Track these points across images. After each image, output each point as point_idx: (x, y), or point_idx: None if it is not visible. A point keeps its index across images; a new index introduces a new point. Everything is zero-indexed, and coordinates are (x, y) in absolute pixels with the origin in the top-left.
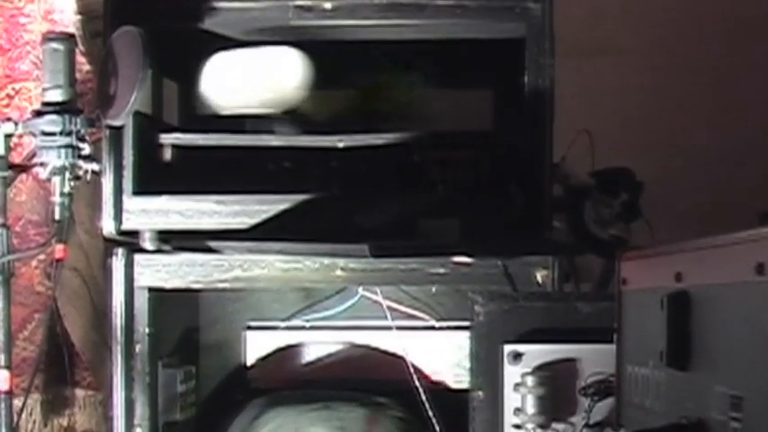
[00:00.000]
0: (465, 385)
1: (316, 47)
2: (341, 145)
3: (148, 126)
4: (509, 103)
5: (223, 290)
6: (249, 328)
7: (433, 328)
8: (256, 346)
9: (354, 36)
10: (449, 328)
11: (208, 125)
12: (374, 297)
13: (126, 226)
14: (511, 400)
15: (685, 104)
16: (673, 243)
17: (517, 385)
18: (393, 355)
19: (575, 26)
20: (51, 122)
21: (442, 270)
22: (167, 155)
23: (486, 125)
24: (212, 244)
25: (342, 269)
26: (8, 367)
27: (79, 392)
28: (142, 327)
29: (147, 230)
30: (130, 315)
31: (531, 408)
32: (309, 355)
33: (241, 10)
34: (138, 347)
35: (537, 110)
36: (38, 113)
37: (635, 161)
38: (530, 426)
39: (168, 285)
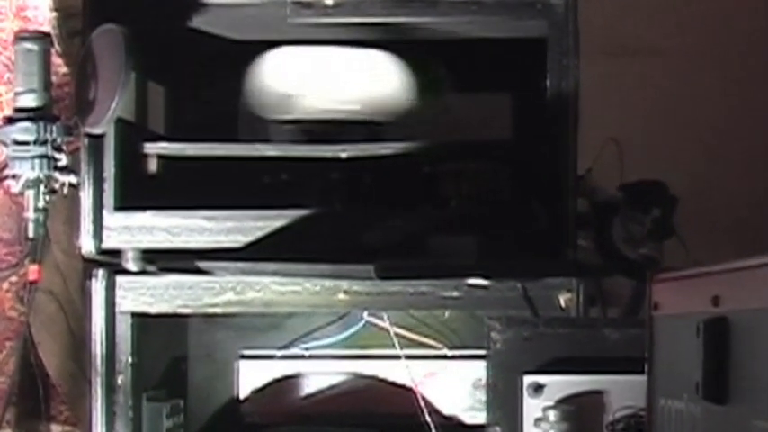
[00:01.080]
0: (481, 420)
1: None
2: (344, 155)
3: (132, 134)
4: (529, 109)
5: (214, 315)
6: (243, 357)
7: (445, 356)
8: (250, 376)
9: (358, 36)
10: (463, 357)
11: (197, 133)
12: (380, 323)
13: (107, 244)
14: None
15: (724, 111)
16: (709, 264)
17: (538, 420)
18: (401, 386)
19: (602, 24)
20: (24, 130)
21: (455, 293)
22: (152, 166)
23: (505, 133)
24: (202, 264)
25: (345, 292)
26: None
27: (55, 428)
28: (124, 356)
29: (130, 249)
30: (111, 343)
31: None
32: (309, 386)
33: (234, 7)
34: (120, 379)
35: (560, 116)
36: (9, 120)
37: (668, 173)
38: None
39: (153, 310)
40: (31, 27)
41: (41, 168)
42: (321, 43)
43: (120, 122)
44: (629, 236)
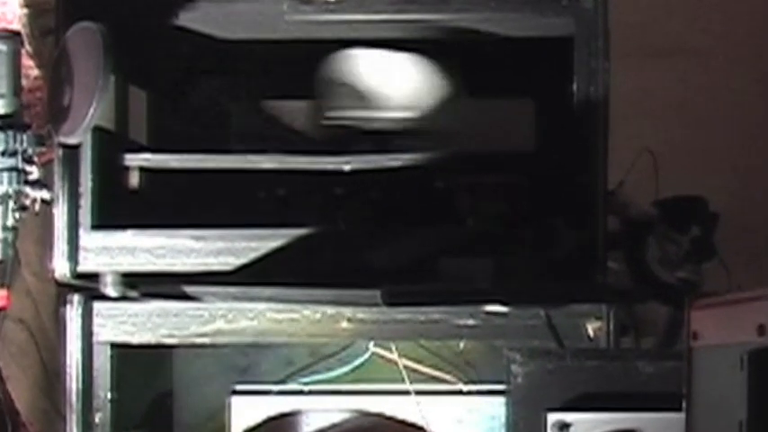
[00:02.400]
0: None
1: (316, 48)
2: (347, 168)
3: (111, 144)
4: (554, 115)
5: (202, 346)
6: (235, 392)
7: (460, 392)
8: (244, 414)
9: (362, 34)
10: (480, 392)
11: (183, 143)
12: (388, 354)
13: (83, 267)
14: None
15: None
16: (754, 288)
17: None
18: (411, 425)
19: (635, 22)
20: None
21: (471, 321)
22: (134, 180)
23: (527, 143)
24: (189, 290)
25: (348, 320)
26: None
27: None
28: (103, 391)
29: (108, 273)
30: (89, 376)
31: None
32: (309, 425)
33: (225, 2)
34: (98, 417)
35: (588, 124)
36: None
37: (708, 188)
38: None
39: (135, 340)
40: (0, 25)
41: (10, 182)
42: (321, 42)
43: (97, 131)
44: (664, 257)
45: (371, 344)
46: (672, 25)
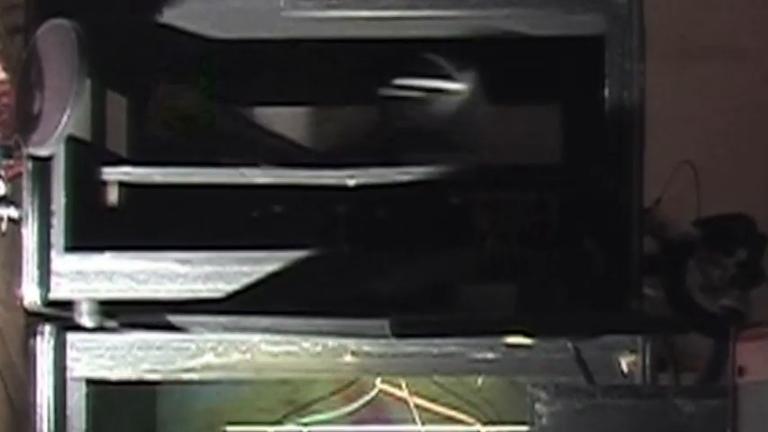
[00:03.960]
0: None
1: (316, 48)
2: (351, 182)
3: (87, 156)
4: (583, 124)
5: (190, 382)
6: None
7: None
8: None
9: (367, 32)
10: None
11: (167, 155)
12: (397, 392)
13: (55, 294)
14: None
15: None
16: None
17: None
18: None
19: (673, 20)
20: None
21: (490, 355)
22: (113, 196)
23: (552, 155)
24: (174, 319)
25: (353, 354)
26: None
27: None
28: None
29: (84, 300)
30: (62, 416)
31: None
32: None
33: None
34: None
35: (621, 134)
36: None
37: (755, 205)
38: None
39: (114, 376)
40: None
41: None
42: (322, 42)
43: (71, 141)
44: (707, 283)
45: (378, 380)
46: (716, 23)
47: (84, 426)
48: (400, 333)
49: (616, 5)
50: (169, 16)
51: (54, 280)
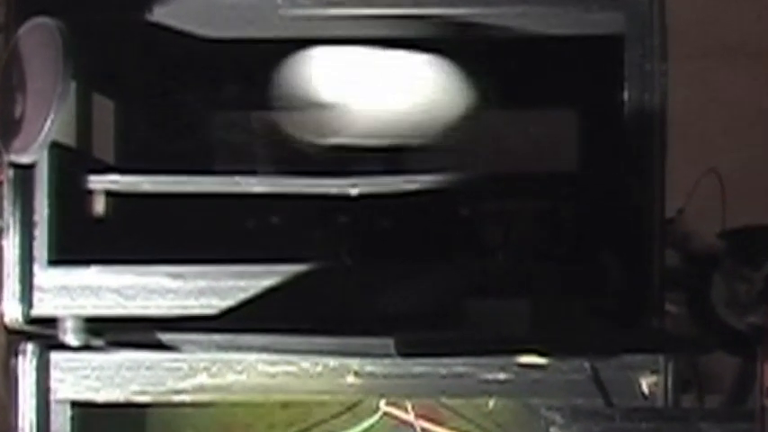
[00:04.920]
0: None
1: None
2: (354, 192)
3: (72, 164)
4: (601, 129)
5: (181, 405)
6: None
7: None
8: None
9: (369, 32)
10: None
11: (157, 162)
12: (402, 415)
13: (38, 310)
14: None
15: None
16: None
17: None
18: None
19: (697, 17)
20: None
21: (501, 375)
22: (99, 206)
23: (568, 162)
24: (165, 337)
25: (355, 374)
26: None
27: None
28: None
29: (68, 317)
30: None
31: None
32: None
33: None
34: None
35: (642, 140)
36: None
37: None
38: None
39: (101, 398)
40: None
41: None
42: (322, 42)
43: (55, 148)
44: (733, 299)
45: (383, 402)
46: (743, 21)
47: None
48: (406, 352)
49: (636, 3)
50: (159, 14)
51: (37, 296)
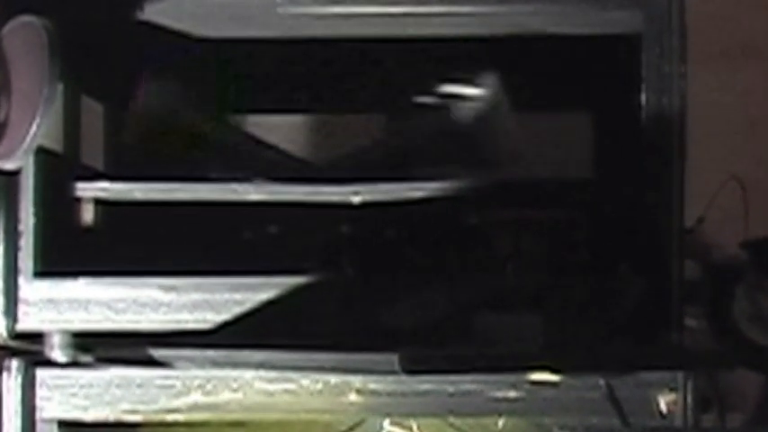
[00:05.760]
0: None
1: (316, 48)
2: (356, 200)
3: (59, 170)
4: (617, 133)
5: (175, 424)
6: None
7: None
8: None
9: (375, 31)
10: None
11: (149, 169)
12: None
13: (23, 325)
14: None
15: None
16: None
17: None
18: None
19: (717, 16)
20: None
21: (512, 393)
22: (88, 215)
23: (583, 169)
24: (157, 353)
25: (358, 392)
26: None
27: None
28: None
29: (55, 332)
30: None
31: None
32: None
33: None
34: None
35: (660, 144)
36: None
37: None
38: None
39: (89, 417)
40: None
41: None
42: (322, 42)
43: (42, 154)
44: (756, 312)
45: (387, 422)
46: (761, 22)
47: None
48: (411, 369)
49: (654, 2)
50: (152, 13)
51: (22, 309)
